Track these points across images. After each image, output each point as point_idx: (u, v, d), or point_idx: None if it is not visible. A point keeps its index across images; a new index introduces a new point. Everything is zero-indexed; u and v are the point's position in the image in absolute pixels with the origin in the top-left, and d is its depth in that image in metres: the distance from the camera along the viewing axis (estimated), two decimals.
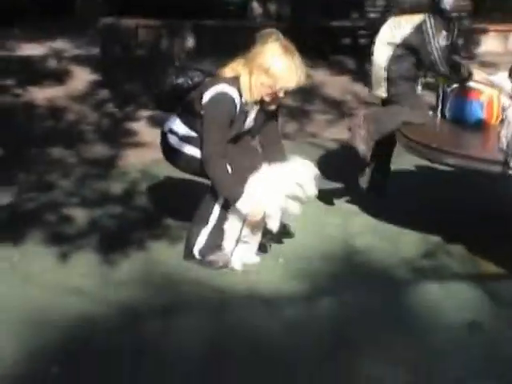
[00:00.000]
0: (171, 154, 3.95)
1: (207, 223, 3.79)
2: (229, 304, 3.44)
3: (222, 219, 3.77)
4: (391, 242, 4.16)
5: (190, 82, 3.86)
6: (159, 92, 4.04)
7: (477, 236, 4.17)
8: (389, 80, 4.36)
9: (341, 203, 4.78)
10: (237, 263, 3.80)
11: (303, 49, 3.74)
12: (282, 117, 4.05)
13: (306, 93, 8.19)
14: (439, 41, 4.14)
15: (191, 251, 3.83)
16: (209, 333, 3.20)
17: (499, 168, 3.55)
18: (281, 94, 3.76)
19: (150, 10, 9.45)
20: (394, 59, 4.31)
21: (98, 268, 3.79)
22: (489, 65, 8.44)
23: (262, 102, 3.81)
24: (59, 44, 10.32)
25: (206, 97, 3.70)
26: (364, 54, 10.26)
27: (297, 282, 3.67)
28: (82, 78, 8.54)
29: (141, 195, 4.92)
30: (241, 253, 3.81)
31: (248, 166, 3.77)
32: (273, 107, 3.88)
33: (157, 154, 5.81)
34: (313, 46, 9.22)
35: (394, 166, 5.26)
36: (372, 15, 10.35)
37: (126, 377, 2.87)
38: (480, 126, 4.23)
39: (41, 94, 7.73)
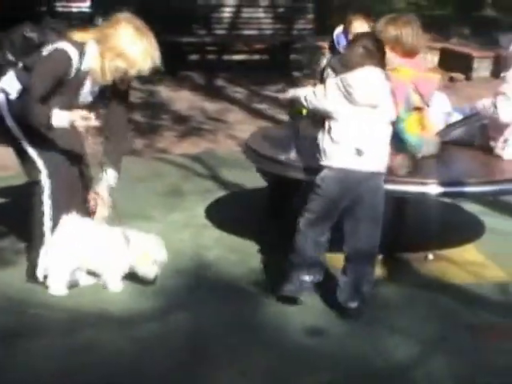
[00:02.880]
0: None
1: (43, 243, 3.68)
2: (78, 325, 3.37)
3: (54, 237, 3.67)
4: (239, 254, 4.25)
5: (41, 39, 3.64)
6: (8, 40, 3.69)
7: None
8: None
9: (190, 218, 4.82)
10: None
11: None
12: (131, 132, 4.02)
13: (155, 108, 8.20)
14: None
15: (34, 273, 3.70)
16: (58, 355, 3.12)
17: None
18: (133, 76, 3.68)
19: None
20: None
21: None
22: None
23: (112, 83, 3.69)
24: None
25: (45, 52, 3.57)
26: (211, 69, 10.43)
27: (149, 299, 3.66)
28: None
29: None
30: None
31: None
32: (122, 87, 3.77)
33: None
34: (160, 61, 9.20)
35: (244, 182, 5.39)
36: (218, 32, 10.55)
37: None
38: None
39: None
